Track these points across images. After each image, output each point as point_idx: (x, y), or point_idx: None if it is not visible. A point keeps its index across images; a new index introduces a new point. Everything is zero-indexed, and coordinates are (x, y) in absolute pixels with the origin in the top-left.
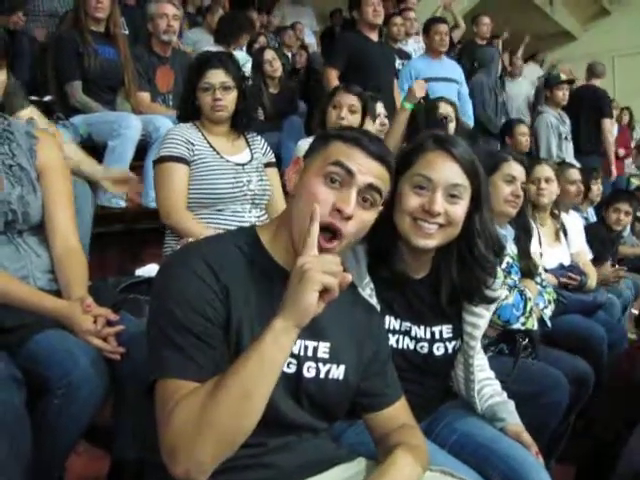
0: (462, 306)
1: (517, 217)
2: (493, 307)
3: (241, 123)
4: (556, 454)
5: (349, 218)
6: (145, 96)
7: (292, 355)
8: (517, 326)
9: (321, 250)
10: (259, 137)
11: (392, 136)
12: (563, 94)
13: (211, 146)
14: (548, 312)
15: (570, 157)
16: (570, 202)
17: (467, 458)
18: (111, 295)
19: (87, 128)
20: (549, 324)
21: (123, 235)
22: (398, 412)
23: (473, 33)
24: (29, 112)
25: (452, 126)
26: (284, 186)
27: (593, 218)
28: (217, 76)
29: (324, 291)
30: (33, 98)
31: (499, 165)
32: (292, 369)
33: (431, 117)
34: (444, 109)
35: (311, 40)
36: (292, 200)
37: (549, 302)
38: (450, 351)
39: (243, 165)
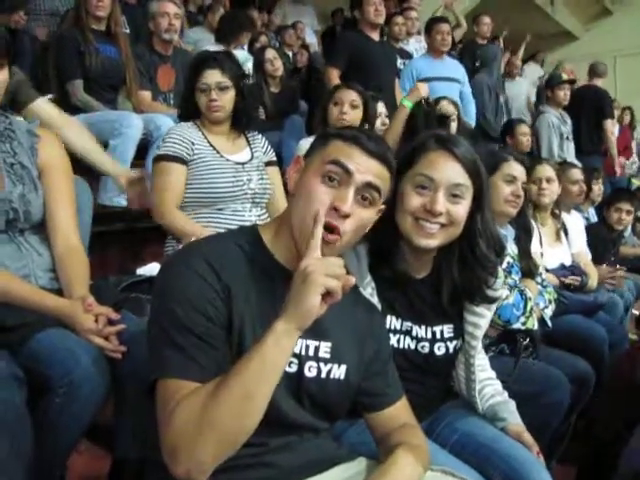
0: (463, 306)
1: (517, 217)
2: (494, 307)
3: (241, 122)
4: (557, 454)
5: (346, 216)
6: (146, 95)
7: (293, 355)
8: (517, 326)
9: (324, 240)
10: (260, 136)
11: (390, 133)
12: (564, 94)
13: (211, 145)
14: (549, 312)
15: (571, 157)
16: (572, 202)
17: (468, 458)
18: (112, 294)
19: (88, 127)
20: (550, 324)
21: (124, 234)
22: (399, 412)
23: (474, 33)
24: (41, 103)
25: (454, 126)
26: (285, 185)
27: (594, 218)
28: (213, 76)
29: (327, 294)
30: None
31: (499, 165)
32: (293, 369)
33: (431, 116)
34: (446, 108)
35: (312, 39)
36: (292, 199)
37: (549, 302)
38: (451, 351)
39: (243, 164)
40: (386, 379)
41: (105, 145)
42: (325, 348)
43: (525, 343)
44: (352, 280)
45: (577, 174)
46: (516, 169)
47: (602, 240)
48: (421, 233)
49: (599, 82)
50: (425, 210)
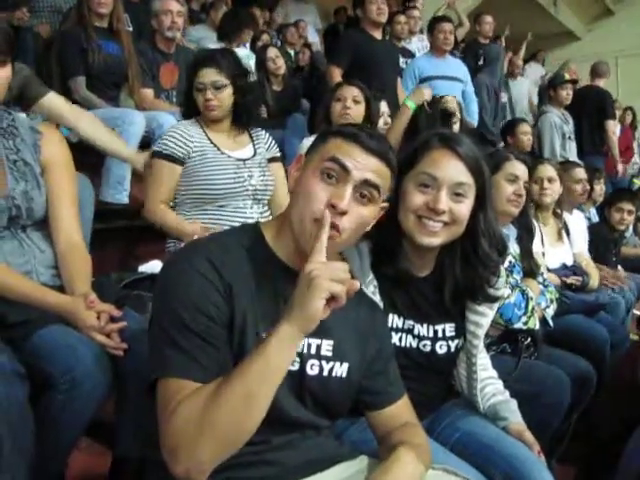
0: (465, 305)
1: (519, 216)
2: (496, 306)
3: (241, 119)
4: (557, 454)
5: (343, 213)
6: (149, 92)
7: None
8: (519, 325)
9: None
10: (263, 132)
11: (393, 133)
12: (567, 94)
13: (211, 142)
14: (550, 312)
15: (573, 157)
16: (575, 201)
17: (469, 457)
18: (114, 291)
19: None
20: (551, 324)
21: (125, 231)
22: (401, 410)
23: (476, 32)
24: (52, 97)
25: (456, 124)
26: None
27: (595, 218)
28: (208, 75)
29: (331, 298)
30: None
31: (502, 164)
32: (295, 367)
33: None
34: (450, 104)
35: (314, 38)
36: (292, 197)
37: (551, 301)
38: (453, 350)
39: (244, 160)
40: (388, 377)
41: None
42: (327, 346)
43: (526, 343)
44: (357, 285)
45: (580, 173)
46: (518, 168)
47: (603, 240)
48: (424, 231)
49: (601, 82)
50: (428, 208)
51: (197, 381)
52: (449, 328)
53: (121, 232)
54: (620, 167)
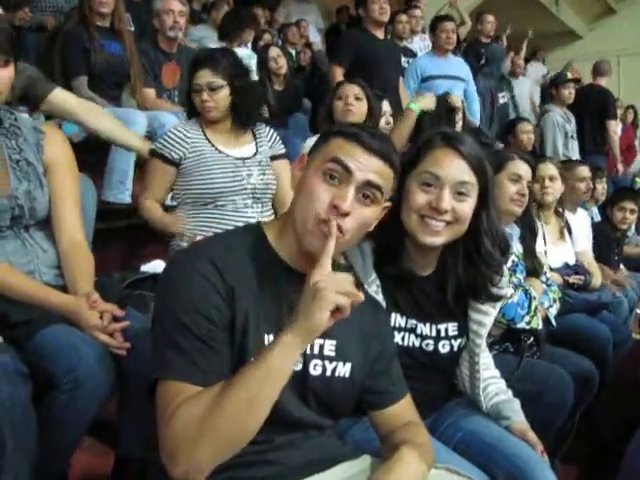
0: (468, 304)
1: (523, 216)
2: (499, 305)
3: (241, 118)
4: (560, 453)
5: (346, 214)
6: (151, 92)
7: None
8: (522, 325)
9: (325, 238)
10: (267, 129)
11: (397, 136)
12: (569, 93)
13: (209, 142)
14: (553, 311)
15: (576, 156)
16: (579, 199)
17: (472, 456)
18: (117, 291)
19: None
20: (554, 323)
21: (127, 231)
22: (403, 410)
23: (477, 31)
24: (59, 93)
25: (459, 125)
26: None
27: (597, 217)
28: (204, 77)
29: (336, 310)
30: None
31: (505, 164)
32: (298, 367)
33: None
34: (455, 101)
35: (316, 38)
36: (295, 197)
37: (554, 301)
38: (455, 349)
39: (244, 159)
40: (390, 377)
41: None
42: (330, 346)
43: (529, 342)
44: (361, 297)
45: (584, 171)
46: (522, 168)
47: (606, 239)
48: (426, 231)
49: (603, 81)
50: (431, 208)
51: (196, 384)
52: (452, 327)
53: (123, 232)
54: (620, 166)
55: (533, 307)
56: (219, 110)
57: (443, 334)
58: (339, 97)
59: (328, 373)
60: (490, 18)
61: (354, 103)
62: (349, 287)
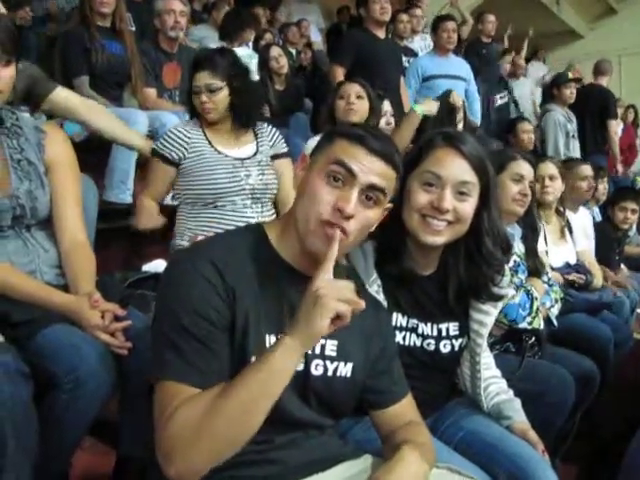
0: (469, 303)
1: (525, 216)
2: (500, 305)
3: (240, 119)
4: (561, 453)
5: (350, 217)
6: (152, 92)
7: None
8: (523, 326)
9: (327, 239)
10: (268, 128)
11: (399, 138)
12: (571, 92)
13: (209, 142)
14: (555, 311)
15: (577, 155)
16: (581, 198)
17: (473, 456)
18: (118, 290)
19: None
20: (555, 323)
21: (129, 231)
22: (405, 409)
23: (478, 31)
24: (60, 92)
25: (460, 125)
26: None
27: (598, 217)
28: (203, 79)
29: (336, 317)
30: None
31: (507, 164)
32: (300, 367)
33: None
34: (456, 99)
35: (317, 37)
36: (297, 198)
37: (556, 301)
38: (456, 348)
39: (243, 159)
40: (392, 377)
41: (110, 141)
42: (331, 346)
43: (530, 342)
44: (362, 304)
45: (586, 170)
46: (524, 168)
47: (607, 239)
48: (428, 230)
49: (604, 80)
50: (432, 207)
51: (195, 386)
52: (453, 327)
53: (125, 231)
54: (620, 167)
55: (535, 308)
56: (218, 111)
57: (444, 334)
58: (341, 96)
59: (329, 373)
60: (491, 18)
61: (356, 102)
62: (350, 295)
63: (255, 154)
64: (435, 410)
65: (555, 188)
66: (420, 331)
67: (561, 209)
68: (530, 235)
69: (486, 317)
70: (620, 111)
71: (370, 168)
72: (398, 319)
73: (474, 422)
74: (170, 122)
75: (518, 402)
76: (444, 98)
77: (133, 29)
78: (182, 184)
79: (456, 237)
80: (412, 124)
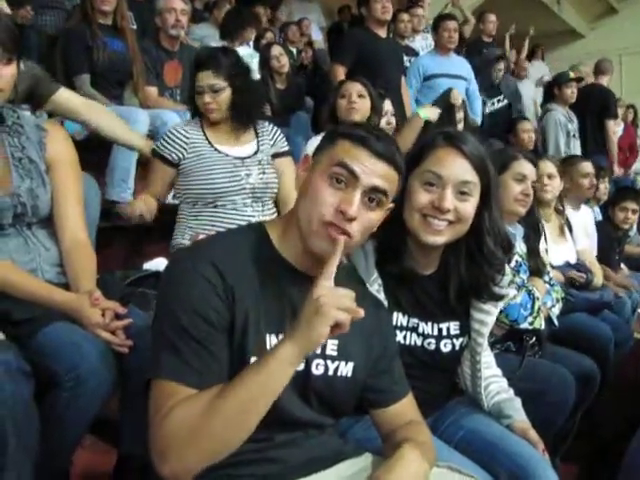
0: (470, 303)
1: (527, 215)
2: (501, 304)
3: (241, 118)
4: (561, 452)
5: (352, 219)
6: (153, 90)
7: None
8: (525, 326)
9: (333, 241)
10: (270, 127)
11: (403, 142)
12: (572, 92)
13: (208, 141)
14: (556, 311)
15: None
16: (583, 195)
17: (473, 455)
18: (119, 288)
19: None
20: (556, 323)
21: (130, 229)
22: (405, 408)
23: (479, 30)
24: (63, 93)
25: (461, 125)
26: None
27: (599, 217)
28: (206, 79)
29: (336, 325)
30: None
31: (509, 164)
32: (300, 367)
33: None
34: (455, 97)
35: (318, 36)
36: (299, 198)
37: (557, 301)
38: (457, 348)
39: (243, 159)
40: (392, 376)
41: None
42: (332, 346)
43: (531, 342)
44: (361, 313)
45: (588, 167)
46: (526, 168)
47: (607, 239)
48: (429, 230)
49: (604, 80)
50: (433, 207)
51: (191, 386)
52: (454, 326)
53: (126, 230)
54: (616, 168)
55: (536, 308)
56: (221, 111)
57: (445, 333)
58: (342, 95)
59: (330, 372)
60: (492, 17)
61: (357, 101)
62: (350, 303)
63: (256, 153)
64: (436, 409)
65: (554, 186)
66: (421, 330)
67: (560, 207)
68: (532, 235)
69: (487, 316)
70: (621, 111)
71: (373, 170)
72: (399, 318)
73: (474, 421)
74: (171, 121)
75: (518, 401)
76: (444, 96)
77: (134, 27)
78: (182, 184)
79: (457, 237)
80: (415, 128)
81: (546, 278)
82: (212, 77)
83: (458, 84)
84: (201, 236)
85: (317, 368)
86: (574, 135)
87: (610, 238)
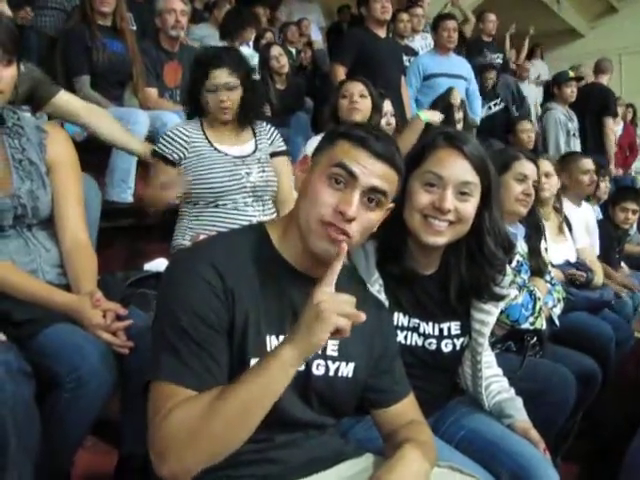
0: (470, 303)
1: (528, 215)
2: (502, 304)
3: (248, 117)
4: (562, 452)
5: (351, 220)
6: (153, 92)
7: None
8: (526, 326)
9: (333, 242)
10: (267, 126)
11: (403, 144)
12: (571, 91)
13: (208, 141)
14: (557, 311)
15: None
16: (583, 192)
17: (474, 454)
18: (119, 289)
19: None
20: (557, 323)
21: (130, 230)
22: (406, 408)
23: (479, 30)
24: (63, 96)
25: (460, 125)
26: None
27: (600, 216)
28: (221, 76)
29: (336, 330)
30: None
31: (511, 164)
32: (301, 367)
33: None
34: (455, 97)
35: (317, 37)
36: (299, 199)
37: (558, 300)
38: (458, 348)
39: (243, 157)
40: (393, 376)
41: None
42: (333, 346)
43: (532, 342)
44: (362, 317)
45: (588, 164)
46: (527, 167)
47: (607, 238)
48: (429, 230)
49: (604, 79)
50: (433, 207)
51: (191, 388)
52: (454, 326)
53: (126, 230)
54: (613, 167)
55: (537, 308)
56: (233, 110)
57: (446, 333)
58: (343, 95)
59: (331, 373)
60: (492, 17)
61: (359, 101)
62: (350, 309)
63: (254, 152)
64: (436, 409)
65: (551, 185)
66: (422, 330)
67: (557, 205)
68: (533, 234)
69: (488, 316)
70: (621, 110)
71: (371, 170)
72: (399, 319)
73: (475, 421)
74: (171, 122)
75: (519, 401)
76: (444, 96)
77: (134, 28)
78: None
79: (457, 237)
80: (415, 131)
81: (547, 278)
82: (227, 75)
83: (458, 84)
84: (202, 236)
85: (318, 369)
86: (574, 134)
87: (610, 237)
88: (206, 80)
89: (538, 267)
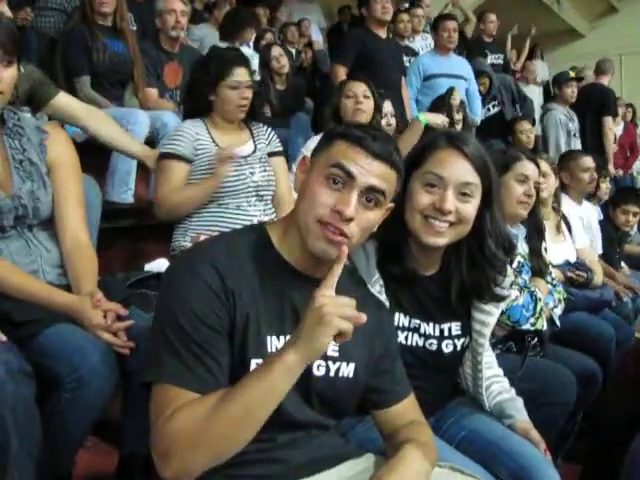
0: (471, 303)
1: (529, 216)
2: (502, 305)
3: (253, 116)
4: (563, 452)
5: (350, 220)
6: (153, 92)
7: None
8: (527, 327)
9: (330, 242)
10: (264, 127)
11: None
12: (572, 91)
13: (213, 141)
14: (558, 311)
15: None
16: (583, 190)
17: (475, 455)
18: (120, 290)
19: None
20: (558, 323)
21: (131, 230)
22: (407, 409)
23: (480, 30)
24: (62, 97)
25: (459, 126)
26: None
27: (600, 216)
28: (243, 75)
29: (338, 334)
30: None
31: (512, 164)
32: None
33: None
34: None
35: (318, 37)
36: (298, 200)
37: (559, 301)
38: (459, 348)
39: (245, 157)
40: (394, 376)
41: None
42: (333, 346)
43: (533, 342)
44: (363, 318)
45: (588, 162)
46: (529, 168)
47: (608, 238)
48: (430, 231)
49: (605, 79)
50: (434, 208)
51: (193, 391)
52: (455, 327)
53: (127, 231)
54: (611, 167)
55: (538, 309)
56: (247, 109)
57: (446, 334)
58: (347, 96)
59: (332, 373)
60: (492, 17)
61: (364, 101)
62: (351, 312)
63: (254, 151)
64: (437, 409)
65: (549, 184)
66: (422, 331)
67: (555, 205)
68: (534, 235)
69: (488, 317)
70: (621, 110)
71: (369, 170)
72: (400, 319)
73: (476, 421)
74: (171, 122)
75: (520, 401)
76: (445, 96)
77: (134, 29)
78: (187, 182)
79: (458, 238)
80: (416, 133)
81: (548, 278)
82: (247, 74)
83: (458, 84)
84: (202, 237)
85: (318, 369)
86: (574, 134)
87: (611, 237)
88: (227, 77)
89: (539, 268)
